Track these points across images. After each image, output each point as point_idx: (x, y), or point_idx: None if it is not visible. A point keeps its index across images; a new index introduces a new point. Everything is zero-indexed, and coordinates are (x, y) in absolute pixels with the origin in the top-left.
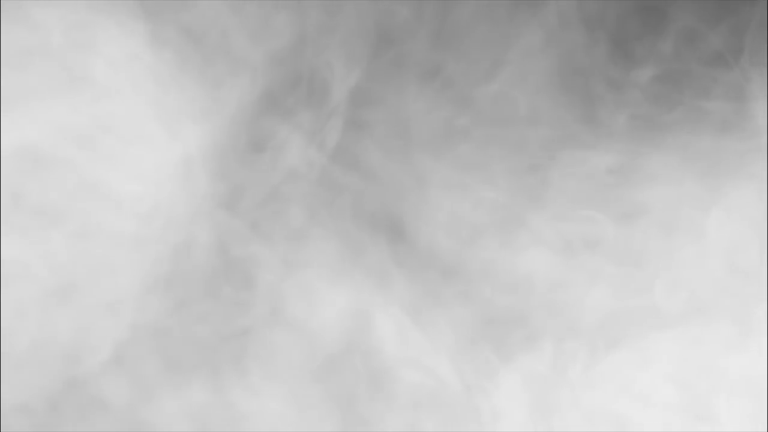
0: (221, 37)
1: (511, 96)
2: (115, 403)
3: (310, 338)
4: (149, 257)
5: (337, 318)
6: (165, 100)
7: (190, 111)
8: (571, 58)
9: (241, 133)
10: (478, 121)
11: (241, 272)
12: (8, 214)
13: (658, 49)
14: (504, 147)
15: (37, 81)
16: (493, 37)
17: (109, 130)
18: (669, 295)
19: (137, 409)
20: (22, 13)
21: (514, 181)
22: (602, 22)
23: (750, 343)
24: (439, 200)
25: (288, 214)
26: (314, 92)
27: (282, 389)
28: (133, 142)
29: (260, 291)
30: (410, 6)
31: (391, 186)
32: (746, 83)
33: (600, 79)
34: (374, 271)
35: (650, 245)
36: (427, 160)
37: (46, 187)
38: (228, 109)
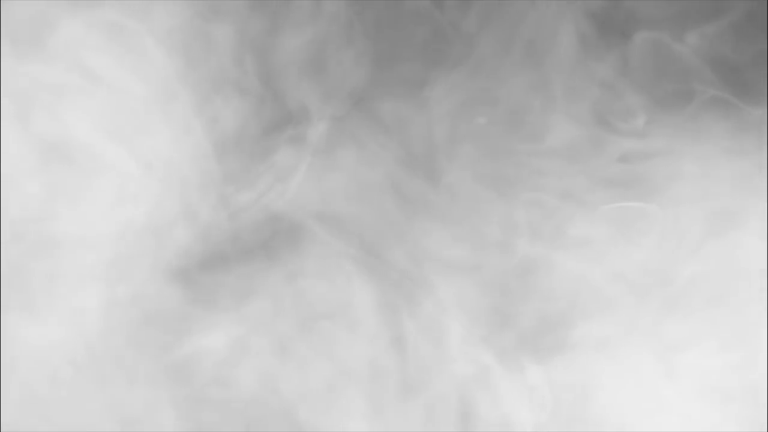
0: (231, 30)
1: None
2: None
3: (333, 332)
4: (161, 249)
5: (366, 315)
6: (173, 92)
7: (199, 104)
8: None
9: (249, 130)
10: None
11: (247, 265)
12: (10, 213)
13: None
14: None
15: (47, 79)
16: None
17: (117, 126)
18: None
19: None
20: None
21: (544, 180)
22: (615, 18)
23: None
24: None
25: (307, 200)
26: (331, 81)
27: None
28: (142, 137)
29: (262, 288)
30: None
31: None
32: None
33: (614, 73)
34: (399, 269)
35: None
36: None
37: (48, 184)
38: (236, 104)
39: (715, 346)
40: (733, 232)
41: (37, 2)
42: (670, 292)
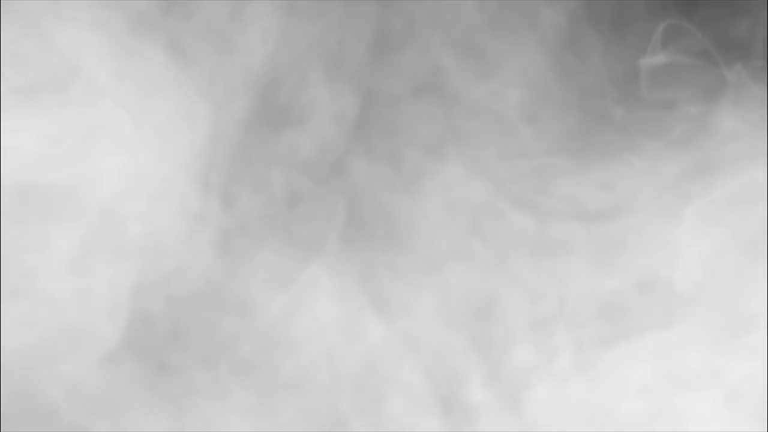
0: (217, 44)
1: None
2: (103, 405)
3: (298, 343)
4: (135, 268)
5: (326, 327)
6: (158, 108)
7: (185, 119)
8: (567, 57)
9: (235, 140)
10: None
11: (231, 280)
12: (7, 217)
13: (653, 50)
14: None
15: (33, 84)
16: (492, 36)
17: (98, 137)
18: (650, 295)
19: (121, 414)
20: (20, 16)
21: (508, 180)
22: (599, 20)
23: (731, 344)
24: (431, 201)
25: (280, 225)
26: (310, 94)
27: (286, 394)
28: (122, 150)
29: (249, 299)
30: (406, 6)
31: (383, 188)
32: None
33: (595, 79)
34: (364, 275)
35: (627, 244)
36: (422, 160)
37: (36, 193)
38: (223, 118)
39: None
40: None
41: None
42: None
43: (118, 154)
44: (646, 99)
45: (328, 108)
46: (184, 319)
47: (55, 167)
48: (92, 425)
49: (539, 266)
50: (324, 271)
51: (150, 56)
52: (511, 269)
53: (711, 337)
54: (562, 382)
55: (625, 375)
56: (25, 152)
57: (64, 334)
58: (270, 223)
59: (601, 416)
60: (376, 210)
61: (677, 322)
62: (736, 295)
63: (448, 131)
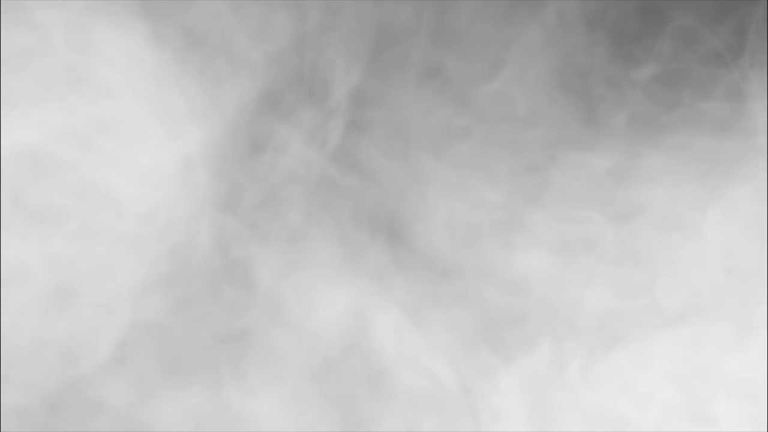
0: (221, 37)
1: (510, 96)
2: (113, 404)
3: (308, 339)
4: (148, 258)
5: (335, 319)
6: (165, 101)
7: (190, 111)
8: (571, 58)
9: (241, 133)
10: (477, 120)
11: (240, 273)
12: (8, 215)
13: (657, 49)
14: (503, 147)
15: (37, 81)
16: (493, 36)
17: (108, 131)
18: (668, 295)
19: (135, 411)
20: (22, 13)
21: (514, 181)
22: (602, 22)
23: (749, 343)
24: (438, 200)
25: (287, 215)
26: (314, 92)
27: (280, 390)
28: (133, 143)
29: (259, 292)
30: (410, 5)
31: (389, 186)
32: (744, 83)
33: (599, 79)
34: (372, 271)
35: (648, 245)
36: (427, 159)
37: (46, 188)
38: (228, 109)
39: None
40: None
41: (37, 3)
42: None
43: (119, 152)
44: (652, 98)
45: (330, 107)
46: (188, 316)
47: (54, 166)
48: (95, 424)
49: (551, 264)
50: (332, 268)
51: (150, 55)
52: (522, 267)
53: (722, 337)
54: (577, 384)
55: (634, 376)
56: (25, 151)
57: (67, 331)
58: (274, 220)
59: (611, 417)
60: (383, 208)
61: (690, 323)
62: (752, 295)
63: (454, 130)
